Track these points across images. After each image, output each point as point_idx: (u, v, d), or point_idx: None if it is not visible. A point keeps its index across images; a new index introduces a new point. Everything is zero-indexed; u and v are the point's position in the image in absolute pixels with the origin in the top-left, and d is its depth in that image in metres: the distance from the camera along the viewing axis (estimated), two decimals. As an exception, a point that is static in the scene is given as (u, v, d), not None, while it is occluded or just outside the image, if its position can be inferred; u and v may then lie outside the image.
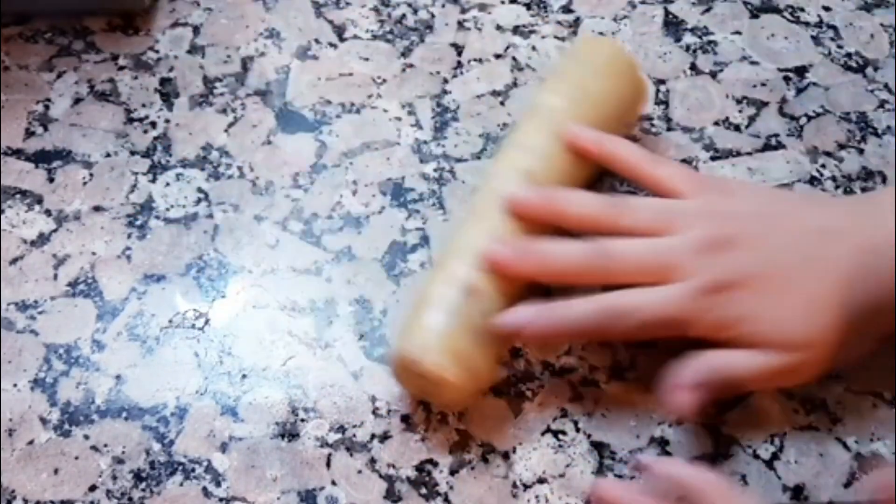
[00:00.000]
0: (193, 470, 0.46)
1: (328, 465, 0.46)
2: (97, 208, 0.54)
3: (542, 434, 0.47)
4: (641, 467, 0.44)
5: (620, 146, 0.49)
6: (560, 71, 0.54)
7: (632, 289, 0.45)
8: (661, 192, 0.48)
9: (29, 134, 0.56)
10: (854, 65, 0.59)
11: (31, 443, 0.47)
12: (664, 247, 0.45)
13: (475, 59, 0.60)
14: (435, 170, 0.55)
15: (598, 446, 0.47)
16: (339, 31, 0.61)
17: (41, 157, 0.56)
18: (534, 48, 0.60)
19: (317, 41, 0.61)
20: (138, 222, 0.53)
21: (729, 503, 0.40)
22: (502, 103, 0.58)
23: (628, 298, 0.45)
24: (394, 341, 0.47)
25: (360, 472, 0.46)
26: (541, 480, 0.46)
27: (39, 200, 0.54)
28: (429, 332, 0.45)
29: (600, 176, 0.52)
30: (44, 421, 0.47)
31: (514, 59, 0.60)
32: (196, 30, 0.61)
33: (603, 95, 0.52)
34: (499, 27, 0.61)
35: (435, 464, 0.46)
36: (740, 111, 0.57)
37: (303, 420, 0.47)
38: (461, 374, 0.44)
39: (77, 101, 0.58)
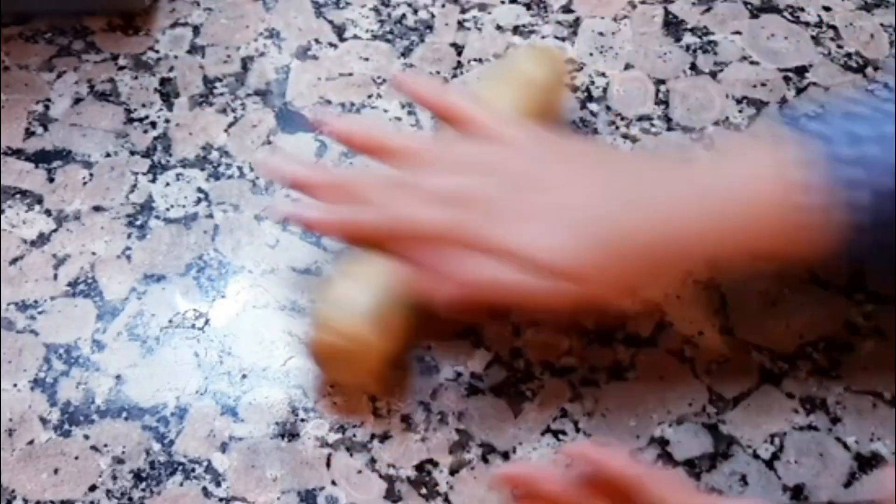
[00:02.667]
0: (193, 470, 0.46)
1: (328, 465, 0.46)
2: (97, 208, 0.54)
3: (542, 434, 0.47)
4: (572, 455, 0.43)
5: (446, 91, 0.50)
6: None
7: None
8: (479, 131, 0.47)
9: (29, 134, 0.56)
10: (854, 65, 0.59)
11: (31, 443, 0.47)
12: (460, 182, 0.45)
13: (475, 59, 0.60)
14: (435, 170, 0.55)
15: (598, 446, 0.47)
16: (339, 31, 0.61)
17: (41, 157, 0.56)
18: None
19: (317, 41, 0.61)
20: (138, 222, 0.53)
21: (671, 489, 0.39)
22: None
23: (409, 211, 0.44)
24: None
25: (360, 472, 0.46)
26: (541, 480, 0.46)
27: (39, 200, 0.54)
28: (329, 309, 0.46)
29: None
30: (44, 421, 0.47)
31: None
32: (196, 30, 0.61)
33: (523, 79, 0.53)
34: (499, 27, 0.61)
35: (435, 464, 0.46)
36: (740, 111, 0.57)
37: (303, 420, 0.47)
38: (357, 329, 0.45)
39: (77, 101, 0.58)
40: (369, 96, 0.58)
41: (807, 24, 0.61)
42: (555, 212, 0.43)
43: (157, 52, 0.60)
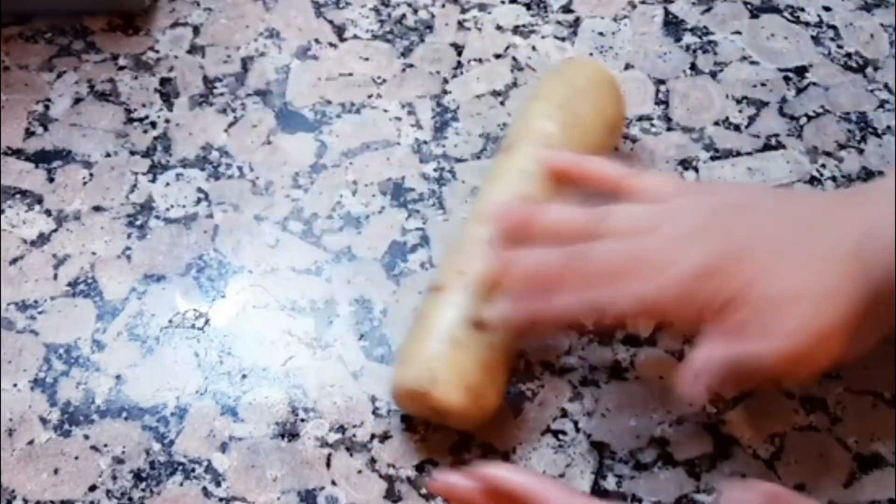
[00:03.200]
0: (193, 470, 0.46)
1: (328, 465, 0.46)
2: (97, 208, 0.54)
3: (542, 434, 0.47)
4: (474, 477, 0.41)
5: (599, 164, 0.49)
6: (547, 92, 0.53)
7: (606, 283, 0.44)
8: (646, 201, 0.46)
9: (29, 134, 0.56)
10: (854, 65, 0.59)
11: (31, 443, 0.47)
12: (645, 243, 0.44)
13: (475, 59, 0.60)
14: (435, 170, 0.55)
15: (598, 446, 0.47)
16: (339, 31, 0.61)
17: (41, 157, 0.56)
18: (534, 48, 0.60)
19: (317, 41, 0.61)
20: (138, 222, 0.53)
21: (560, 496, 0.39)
22: (502, 103, 0.58)
23: (611, 290, 0.44)
24: (397, 368, 0.46)
25: (360, 472, 0.46)
26: (541, 480, 0.46)
27: (39, 200, 0.54)
28: (434, 361, 0.44)
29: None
30: (44, 421, 0.47)
31: (514, 59, 0.60)
32: (196, 30, 0.61)
33: (591, 118, 0.52)
34: (499, 27, 0.61)
35: (435, 464, 0.46)
36: (740, 111, 0.57)
37: (303, 420, 0.47)
38: (468, 404, 0.44)
39: (77, 101, 0.58)
40: (369, 96, 0.58)
41: (807, 24, 0.61)
42: (797, 279, 0.42)
43: (157, 52, 0.60)
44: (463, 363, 0.44)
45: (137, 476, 0.46)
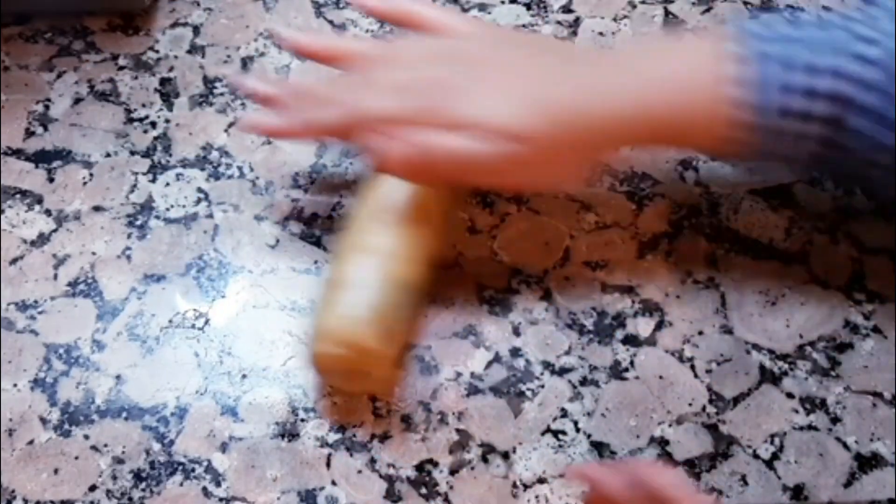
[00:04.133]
0: (193, 470, 0.46)
1: (328, 465, 0.46)
2: (97, 208, 0.54)
3: (542, 434, 0.47)
4: (621, 470, 0.42)
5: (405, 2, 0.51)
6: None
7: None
8: (429, 28, 0.49)
9: (29, 134, 0.56)
10: (854, 65, 0.59)
11: (31, 443, 0.47)
12: (388, 67, 0.48)
13: (475, 59, 0.60)
14: (435, 170, 0.55)
15: (598, 446, 0.47)
16: (339, 31, 0.61)
17: (41, 157, 0.56)
18: (534, 48, 0.60)
19: (317, 41, 0.61)
20: (138, 222, 0.53)
21: None
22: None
23: (370, 102, 0.47)
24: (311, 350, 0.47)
25: (360, 472, 0.46)
26: (541, 480, 0.46)
27: (39, 200, 0.54)
28: (334, 320, 0.46)
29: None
30: (44, 421, 0.47)
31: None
32: (196, 30, 0.61)
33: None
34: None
35: (435, 464, 0.46)
36: (740, 111, 0.57)
37: (303, 420, 0.47)
38: (374, 340, 0.45)
39: (77, 101, 0.58)
40: (369, 96, 0.58)
41: (807, 24, 0.61)
42: (509, 88, 0.45)
43: (157, 52, 0.60)
44: (353, 301, 0.46)
45: (137, 476, 0.46)
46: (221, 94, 0.58)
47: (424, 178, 0.47)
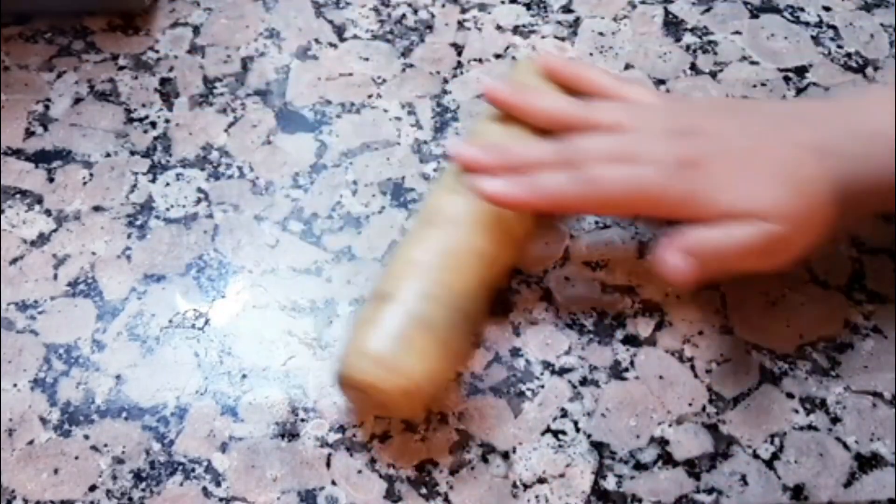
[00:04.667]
0: (193, 470, 0.46)
1: (328, 465, 0.46)
2: (97, 208, 0.54)
3: (542, 434, 0.47)
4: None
5: (594, 70, 0.52)
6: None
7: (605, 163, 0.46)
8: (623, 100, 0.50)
9: (29, 134, 0.56)
10: (854, 65, 0.59)
11: (31, 443, 0.47)
12: (630, 138, 0.47)
13: (475, 59, 0.60)
14: (435, 170, 0.55)
15: (598, 446, 0.47)
16: (339, 31, 0.61)
17: (41, 157, 0.56)
18: (534, 48, 0.60)
19: (317, 41, 0.61)
20: (138, 222, 0.53)
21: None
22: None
23: (601, 170, 0.46)
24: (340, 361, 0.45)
25: (360, 472, 0.46)
26: (541, 480, 0.46)
27: (39, 200, 0.54)
28: (355, 346, 0.44)
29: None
30: (44, 421, 0.47)
31: (514, 59, 0.60)
32: (196, 30, 0.61)
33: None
34: (499, 27, 0.61)
35: (435, 464, 0.46)
36: (740, 111, 0.57)
37: (303, 420, 0.47)
38: (386, 378, 0.43)
39: (77, 101, 0.58)
40: (369, 96, 0.58)
41: (807, 24, 0.61)
42: (753, 168, 0.45)
43: (157, 52, 0.60)
44: (376, 340, 0.43)
45: (137, 476, 0.46)
46: (221, 94, 0.58)
47: (708, 276, 0.45)
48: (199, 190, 0.54)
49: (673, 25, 0.61)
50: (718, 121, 0.47)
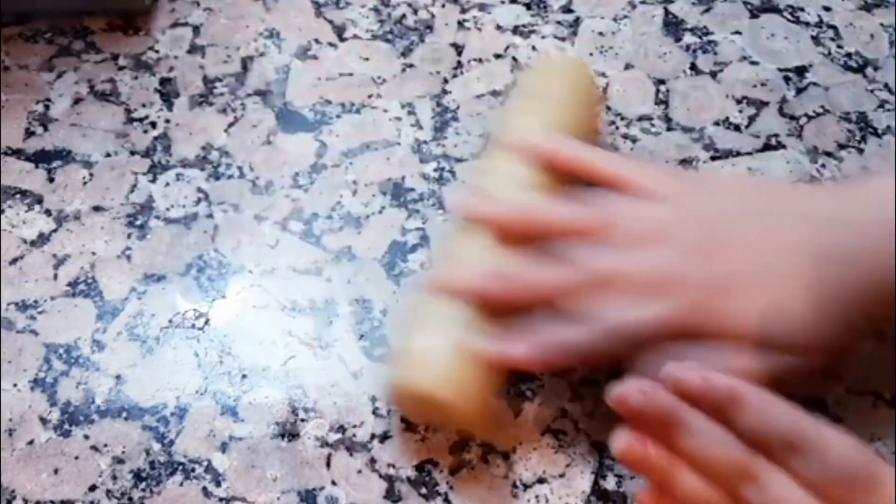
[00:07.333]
0: (193, 470, 0.46)
1: (328, 465, 0.46)
2: (97, 208, 0.54)
3: (542, 434, 0.47)
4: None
5: (601, 156, 0.49)
6: (523, 90, 0.54)
7: (619, 304, 0.43)
8: (636, 192, 0.46)
9: (29, 134, 0.56)
10: (854, 65, 0.59)
11: (31, 443, 0.47)
12: (656, 260, 0.44)
13: (475, 59, 0.60)
14: (435, 170, 0.55)
15: (598, 446, 0.47)
16: (339, 31, 0.61)
17: (41, 157, 0.56)
18: (534, 48, 0.60)
19: (317, 41, 0.61)
20: (138, 222, 0.53)
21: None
22: (502, 103, 0.58)
23: (620, 312, 0.43)
24: (394, 369, 0.45)
25: (360, 472, 0.46)
26: (541, 480, 0.46)
27: (39, 200, 0.54)
28: (430, 357, 0.44)
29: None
30: (44, 421, 0.47)
31: (514, 59, 0.60)
32: (196, 30, 0.61)
33: (569, 108, 0.51)
34: (499, 27, 0.61)
35: (435, 464, 0.46)
36: (740, 111, 0.57)
37: (303, 420, 0.47)
38: (466, 398, 0.43)
39: (77, 101, 0.58)
40: (369, 96, 0.58)
41: (807, 24, 0.61)
42: (759, 279, 0.43)
43: (157, 52, 0.60)
44: (455, 357, 0.44)
45: (137, 476, 0.46)
46: (221, 94, 0.58)
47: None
48: (199, 190, 0.54)
49: (673, 25, 0.61)
50: (744, 232, 0.44)
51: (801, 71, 0.59)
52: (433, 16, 0.62)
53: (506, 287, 0.45)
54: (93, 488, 0.46)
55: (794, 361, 0.42)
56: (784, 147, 0.56)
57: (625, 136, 0.56)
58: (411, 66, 0.59)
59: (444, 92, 0.58)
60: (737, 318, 0.42)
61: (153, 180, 0.55)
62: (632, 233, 0.45)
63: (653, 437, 0.38)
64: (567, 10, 0.62)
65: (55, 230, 0.53)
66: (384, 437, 0.47)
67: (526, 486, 0.46)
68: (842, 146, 0.56)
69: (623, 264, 0.44)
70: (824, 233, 0.43)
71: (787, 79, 0.59)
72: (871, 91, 0.58)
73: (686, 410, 0.38)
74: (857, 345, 0.45)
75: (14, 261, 0.52)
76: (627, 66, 0.59)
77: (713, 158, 0.55)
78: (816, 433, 0.38)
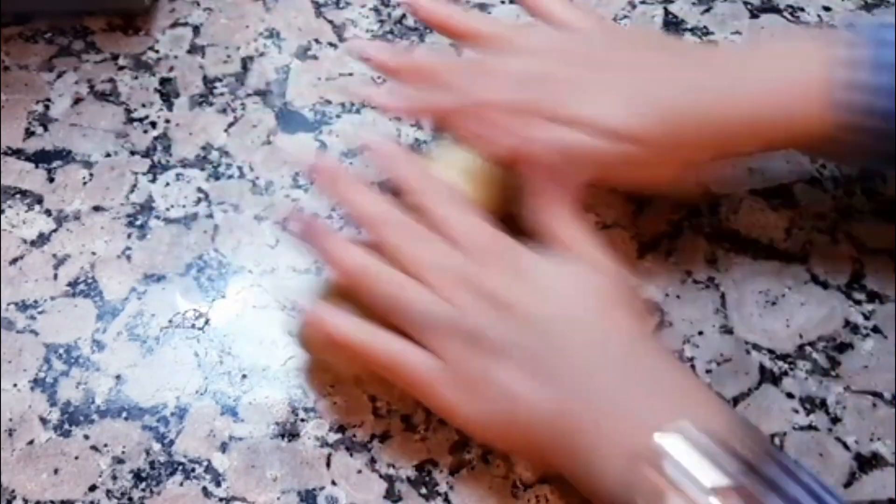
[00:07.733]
0: (193, 470, 0.46)
1: (328, 465, 0.46)
2: (97, 208, 0.54)
3: (542, 434, 0.47)
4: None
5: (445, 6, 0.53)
6: None
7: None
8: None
9: (29, 134, 0.56)
10: (854, 65, 0.59)
11: (31, 443, 0.47)
12: (528, 63, 0.49)
13: (475, 59, 0.60)
14: (435, 170, 0.55)
15: (598, 446, 0.46)
16: (339, 31, 0.61)
17: (41, 157, 0.56)
18: (534, 48, 0.60)
19: (317, 41, 0.61)
20: (138, 222, 0.53)
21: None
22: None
23: (486, 92, 0.48)
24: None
25: (360, 472, 0.46)
26: (541, 480, 0.46)
27: (39, 200, 0.54)
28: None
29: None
30: (44, 421, 0.47)
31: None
32: (196, 30, 0.61)
33: None
34: (499, 27, 0.61)
35: (435, 464, 0.46)
36: (740, 111, 0.57)
37: (303, 420, 0.47)
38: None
39: (77, 101, 0.58)
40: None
41: (807, 24, 0.61)
42: (623, 87, 0.47)
43: (157, 52, 0.60)
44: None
45: (137, 476, 0.46)
46: (221, 94, 0.58)
47: (530, 170, 0.47)
48: (199, 190, 0.54)
49: (673, 25, 0.61)
50: (613, 46, 0.49)
51: (801, 71, 0.59)
52: (433, 16, 0.62)
53: (398, 61, 0.51)
54: (93, 488, 0.46)
55: (622, 149, 0.46)
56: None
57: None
58: (411, 66, 0.59)
59: (444, 92, 0.58)
60: (583, 110, 0.46)
61: (153, 180, 0.55)
62: (530, 46, 0.50)
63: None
64: (567, 10, 0.62)
65: (55, 230, 0.53)
66: (384, 437, 0.47)
67: (526, 486, 0.46)
68: (842, 146, 0.56)
69: (510, 64, 0.49)
70: (702, 70, 0.48)
71: (787, 79, 0.59)
72: None
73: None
74: (685, 169, 0.48)
75: (14, 261, 0.52)
76: (627, 66, 0.59)
77: (713, 158, 0.55)
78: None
